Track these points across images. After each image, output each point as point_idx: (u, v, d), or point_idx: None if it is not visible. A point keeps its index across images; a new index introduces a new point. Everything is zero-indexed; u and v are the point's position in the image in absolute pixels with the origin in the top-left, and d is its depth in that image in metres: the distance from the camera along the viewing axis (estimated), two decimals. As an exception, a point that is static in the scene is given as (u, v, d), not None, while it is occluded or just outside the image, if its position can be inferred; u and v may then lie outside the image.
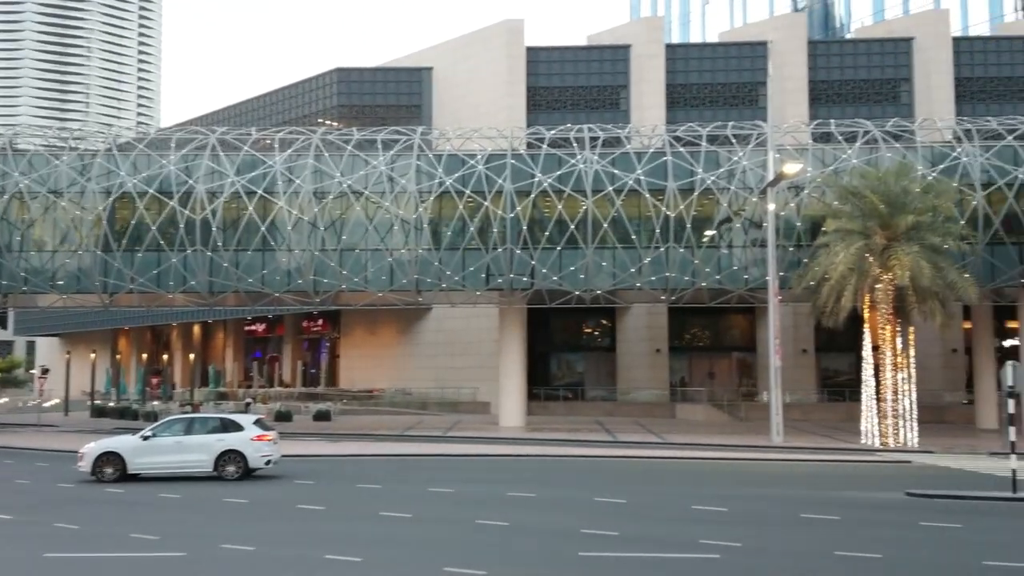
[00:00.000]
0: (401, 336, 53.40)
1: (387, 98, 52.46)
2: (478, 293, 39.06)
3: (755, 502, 18.86)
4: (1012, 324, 41.44)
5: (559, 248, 36.85)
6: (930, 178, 33.73)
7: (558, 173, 36.84)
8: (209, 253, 36.87)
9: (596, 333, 53.08)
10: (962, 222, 33.14)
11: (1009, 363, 21.57)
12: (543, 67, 50.85)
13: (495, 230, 36.68)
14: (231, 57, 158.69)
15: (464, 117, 46.41)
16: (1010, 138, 35.90)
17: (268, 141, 39.44)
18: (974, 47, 51.59)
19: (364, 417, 45.99)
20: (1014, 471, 19.71)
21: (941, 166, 35.28)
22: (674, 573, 12.23)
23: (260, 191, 36.98)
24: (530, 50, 50.30)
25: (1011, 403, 21.37)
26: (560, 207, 36.71)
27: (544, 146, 37.50)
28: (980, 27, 66.18)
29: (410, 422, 42.36)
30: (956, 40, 51.33)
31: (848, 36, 69.96)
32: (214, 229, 36.68)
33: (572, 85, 50.85)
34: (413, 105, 52.16)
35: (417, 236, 37.20)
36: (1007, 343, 42.54)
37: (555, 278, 37.04)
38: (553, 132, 38.38)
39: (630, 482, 22.24)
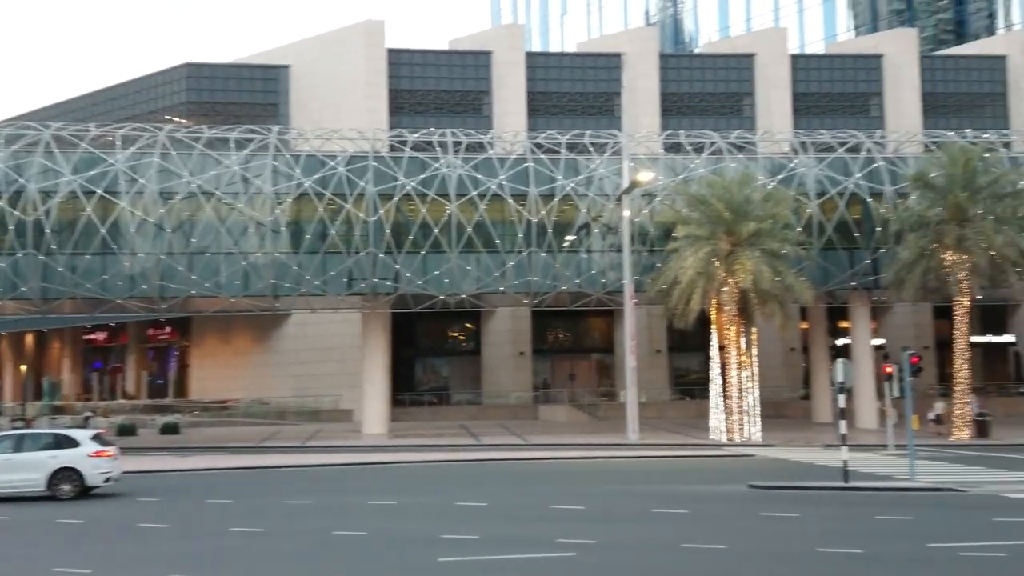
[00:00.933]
0: (257, 343, 51.63)
1: (241, 96, 50.58)
2: (340, 298, 38.32)
3: (611, 499, 19.45)
4: (844, 324, 44.61)
5: (423, 252, 36.70)
6: (770, 187, 35.85)
7: (421, 177, 36.70)
8: (42, 257, 34.38)
9: (461, 337, 53.23)
10: (798, 229, 35.41)
11: (839, 361, 23.23)
12: (405, 69, 50.54)
13: (357, 233, 36.12)
14: (71, 50, 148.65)
15: (324, 118, 45.41)
16: (841, 150, 38.68)
17: (109, 138, 37.20)
18: (810, 64, 55.33)
19: (217, 429, 44.13)
20: (845, 462, 21.24)
21: (780, 176, 37.57)
22: (531, 573, 12.42)
23: (100, 191, 34.83)
24: (391, 52, 49.85)
25: (841, 398, 23.02)
26: (424, 211, 36.59)
27: (407, 149, 37.27)
28: (816, 45, 71.00)
29: (267, 433, 41.02)
30: (794, 57, 54.87)
31: (696, 51, 73.44)
32: (48, 231, 34.24)
33: (435, 89, 50.79)
34: (269, 104, 50.56)
35: (274, 239, 36.10)
36: (840, 342, 45.76)
37: (419, 282, 36.86)
38: (416, 135, 38.23)
39: (492, 485, 22.43)
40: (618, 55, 51.67)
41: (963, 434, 34.09)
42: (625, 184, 35.01)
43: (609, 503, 18.82)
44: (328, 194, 36.01)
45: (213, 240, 35.78)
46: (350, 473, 26.04)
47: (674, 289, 33.53)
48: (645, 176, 33.81)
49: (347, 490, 21.88)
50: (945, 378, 43.41)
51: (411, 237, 36.56)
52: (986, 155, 35.15)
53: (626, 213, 35.24)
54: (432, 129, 39.29)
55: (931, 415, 35.98)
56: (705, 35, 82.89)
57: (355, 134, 38.53)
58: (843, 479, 20.91)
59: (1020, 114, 54.22)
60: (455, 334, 53.22)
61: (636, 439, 33.52)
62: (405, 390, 48.74)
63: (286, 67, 51.11)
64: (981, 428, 34.75)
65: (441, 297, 37.54)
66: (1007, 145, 41.29)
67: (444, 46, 54.59)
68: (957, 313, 34.60)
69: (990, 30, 66.01)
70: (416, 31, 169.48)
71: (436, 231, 36.49)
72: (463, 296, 37.83)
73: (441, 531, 15.23)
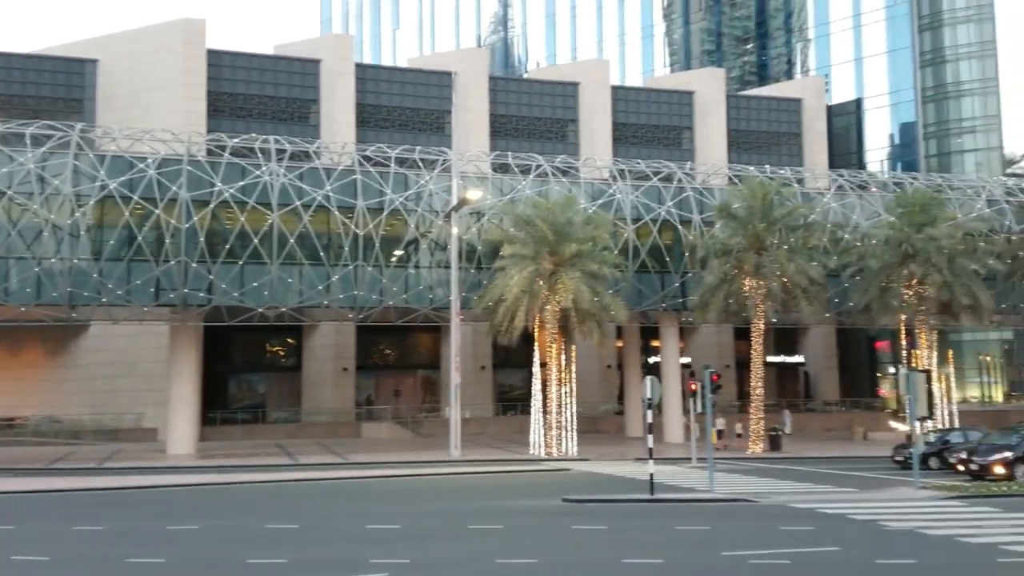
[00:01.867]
0: (51, 357, 47.46)
1: (41, 89, 46.57)
2: (146, 309, 35.96)
3: (429, 517, 19.33)
4: (656, 343, 47.03)
5: (241, 263, 35.19)
6: (591, 211, 37.28)
7: (241, 184, 35.24)
8: None
9: (280, 352, 51.42)
10: (616, 252, 37.01)
11: (648, 378, 24.37)
12: (227, 72, 48.49)
13: (168, 241, 34.08)
14: None
15: (134, 117, 42.67)
16: (656, 179, 40.89)
17: None
18: (629, 96, 58.24)
19: (1, 449, 40.04)
20: (651, 475, 22.28)
21: (600, 201, 39.19)
22: (341, 597, 12.06)
23: None
24: (212, 53, 47.68)
25: (649, 413, 24.16)
26: (243, 219, 35.11)
27: (226, 154, 35.68)
28: (635, 78, 74.93)
29: (59, 453, 37.68)
30: (615, 88, 57.55)
31: (525, 75, 75.43)
32: None
33: (259, 94, 49.08)
34: (73, 99, 46.85)
35: (72, 244, 33.37)
36: (652, 360, 48.18)
37: (236, 294, 35.27)
38: (237, 140, 36.68)
39: (307, 506, 21.69)
40: (449, 74, 52.12)
41: (757, 448, 36.75)
42: (454, 201, 35.25)
43: (427, 521, 18.70)
44: (136, 198, 33.78)
45: (2, 243, 32.60)
46: (149, 496, 24.35)
47: (500, 306, 34.05)
48: (474, 194, 34.24)
49: (145, 514, 20.42)
50: (744, 395, 46.68)
51: (228, 246, 34.97)
52: (782, 190, 38.28)
53: (454, 230, 35.47)
54: (254, 135, 37.88)
55: (714, 430, 38.10)
56: (533, 61, 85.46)
57: (169, 136, 36.47)
58: (650, 492, 21.90)
59: (813, 153, 59.68)
60: (274, 349, 51.37)
61: (458, 455, 33.62)
62: (217, 408, 46.39)
63: (93, 61, 47.65)
64: (774, 442, 37.61)
65: (260, 310, 36.10)
66: (800, 181, 45.30)
67: (270, 51, 52.90)
68: (754, 335, 37.36)
69: (789, 75, 72.31)
70: (240, 34, 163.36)
71: (256, 241, 35.11)
72: (284, 310, 36.58)
73: (247, 555, 14.51)
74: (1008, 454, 26.08)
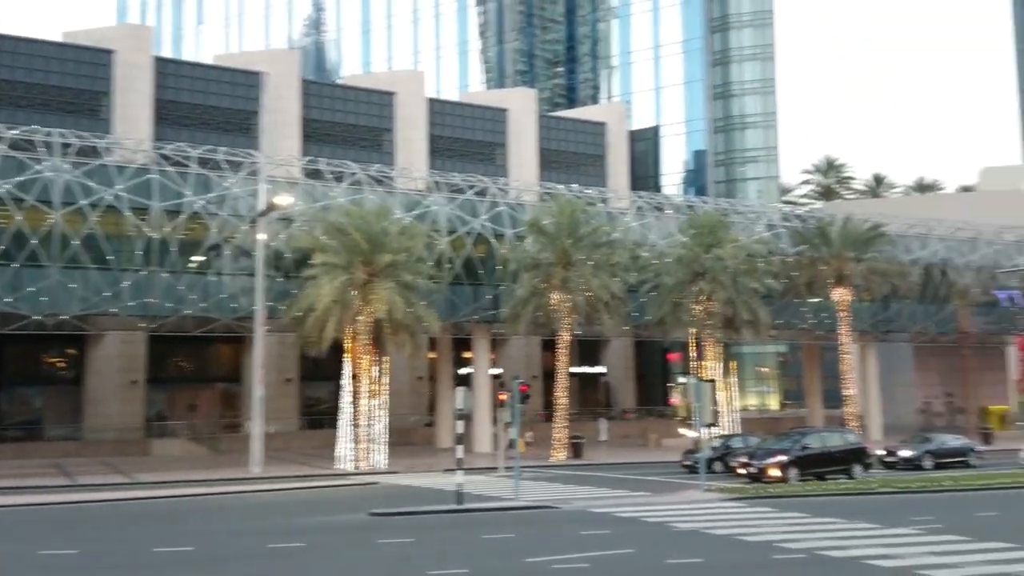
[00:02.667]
0: None
1: None
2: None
3: (224, 537, 18.42)
4: (468, 354, 47.57)
5: (17, 265, 32.01)
6: (406, 222, 37.17)
7: (19, 179, 32.11)
8: None
9: (60, 364, 47.16)
10: (430, 263, 37.12)
11: (460, 388, 24.65)
12: (6, 58, 44.18)
13: (-73, 239, 30.38)
14: None
15: None
16: (470, 193, 41.49)
17: None
18: (445, 109, 58.78)
19: None
20: (460, 485, 22.50)
21: (415, 212, 39.19)
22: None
23: None
24: (-10, 35, 43.24)
25: (460, 424, 24.40)
26: (20, 218, 31.98)
27: (2, 147, 32.38)
28: (451, 92, 75.75)
29: None
30: (431, 101, 57.88)
31: (339, 81, 74.24)
32: None
33: (43, 83, 45.02)
34: None
35: None
36: (463, 371, 48.67)
37: (9, 300, 32.01)
38: (15, 132, 33.40)
39: (86, 529, 19.97)
40: (258, 74, 50.31)
41: (560, 455, 38.08)
42: (262, 206, 33.93)
43: (222, 542, 17.80)
44: None
45: None
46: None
47: (309, 317, 33.11)
48: (284, 200, 33.11)
49: None
50: (549, 405, 48.20)
51: (2, 247, 31.73)
52: (588, 208, 40.05)
53: (261, 236, 34.11)
54: (35, 127, 34.68)
55: (521, 439, 38.72)
56: (348, 67, 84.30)
57: (-67, 122, 32.64)
58: (457, 502, 22.08)
59: (616, 175, 62.89)
60: (53, 360, 47.05)
61: (260, 472, 32.27)
62: (-16, 424, 41.85)
63: None
64: (576, 449, 39.11)
65: (36, 318, 32.98)
66: (605, 201, 47.62)
67: (58, 38, 48.70)
68: (560, 346, 38.76)
69: (595, 99, 75.95)
70: (28, 20, 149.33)
71: (34, 242, 32.10)
72: (64, 317, 33.63)
73: (17, 589, 13.17)
74: (782, 458, 28.65)
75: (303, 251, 35.35)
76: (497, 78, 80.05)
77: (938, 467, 33.57)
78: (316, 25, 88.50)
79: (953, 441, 36.33)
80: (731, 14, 71.85)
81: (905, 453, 34.58)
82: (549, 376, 49.77)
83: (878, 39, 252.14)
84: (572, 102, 76.55)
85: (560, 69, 79.60)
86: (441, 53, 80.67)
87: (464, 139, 57.85)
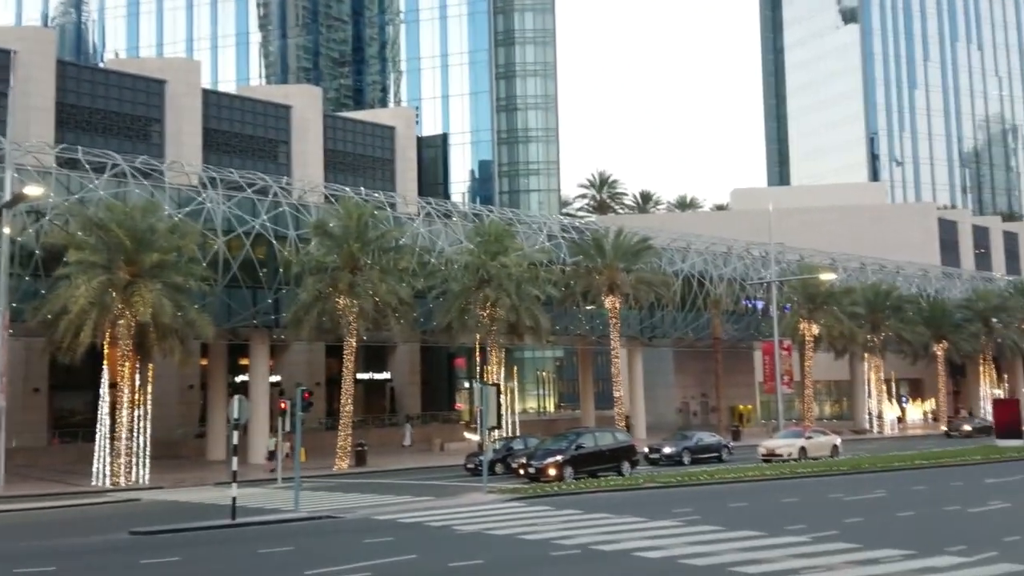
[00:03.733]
0: None
1: None
2: None
3: (-45, 570, 16.15)
4: (244, 361, 45.34)
5: None
6: (176, 219, 34.78)
7: None
8: None
9: None
10: (204, 264, 34.95)
11: (236, 397, 23.34)
12: None
13: None
14: None
15: None
16: (250, 191, 39.60)
17: None
18: (222, 102, 55.82)
19: None
20: (234, 499, 21.28)
21: (187, 209, 36.79)
22: None
23: None
24: None
25: (235, 435, 23.11)
26: None
27: None
28: (229, 85, 72.10)
29: None
30: (206, 92, 54.73)
31: (101, 65, 68.35)
32: None
33: None
34: None
35: None
36: (240, 379, 46.31)
37: None
38: None
39: None
40: (8, 51, 45.15)
41: (344, 464, 37.25)
42: (7, 197, 30.29)
43: (-48, 574, 15.59)
44: None
45: None
46: None
47: (61, 320, 29.98)
48: (34, 191, 29.73)
49: None
50: (333, 412, 47.07)
51: None
52: (376, 212, 39.55)
53: (6, 230, 30.44)
54: None
55: (267, 450, 37.34)
56: (111, 50, 77.94)
57: None
58: (231, 516, 20.88)
59: (404, 180, 62.77)
60: None
61: (1, 491, 28.75)
62: None
63: None
64: (360, 457, 38.43)
65: None
66: (393, 206, 47.31)
67: None
68: (346, 352, 37.93)
69: (383, 102, 75.47)
70: None
71: None
72: None
73: None
74: (559, 457, 29.79)
75: (56, 248, 31.97)
76: (279, 74, 77.34)
77: (695, 462, 36.41)
78: (75, 4, 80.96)
79: (708, 438, 39.57)
80: (515, 29, 74.29)
81: (667, 450, 37.19)
82: (332, 383, 48.67)
83: (649, 65, 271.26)
84: (360, 104, 75.58)
85: (347, 70, 78.33)
86: (219, 43, 76.64)
87: (243, 135, 55.25)
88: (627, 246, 46.69)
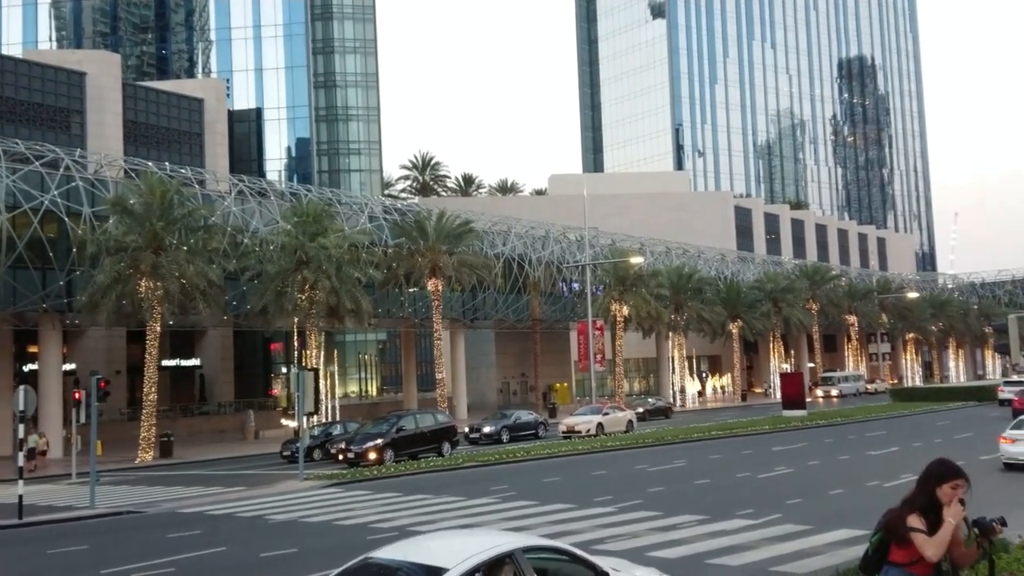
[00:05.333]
0: None
1: None
2: None
3: None
4: (34, 348, 41.63)
5: None
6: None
7: None
8: None
9: None
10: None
11: (21, 388, 21.40)
12: None
13: None
14: None
15: None
16: (38, 164, 36.24)
17: None
18: (5, 67, 50.66)
19: None
20: (20, 497, 19.56)
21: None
22: None
23: None
24: None
25: (21, 428, 21.22)
26: None
27: None
28: (15, 48, 65.50)
29: None
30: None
31: None
32: None
33: None
34: None
35: None
36: (30, 367, 42.50)
37: None
38: None
39: None
40: None
41: (148, 455, 35.15)
42: None
43: None
44: None
45: None
46: None
47: None
48: None
49: None
50: (135, 401, 44.28)
51: None
52: (183, 189, 37.35)
53: None
54: None
55: (26, 448, 34.33)
56: None
57: None
58: (18, 516, 19.19)
59: (214, 155, 59.68)
60: None
61: None
62: None
63: None
64: (165, 448, 36.41)
65: None
66: (201, 182, 44.87)
67: None
68: (149, 338, 35.68)
69: (191, 73, 71.21)
70: None
71: None
72: None
73: None
74: (379, 441, 29.61)
75: None
76: (73, 38, 71.07)
77: (514, 440, 37.41)
78: None
79: (526, 416, 40.71)
80: (333, 4, 72.35)
81: (487, 429, 37.93)
82: (135, 371, 45.81)
83: (473, 49, 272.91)
84: (164, 74, 70.91)
85: (150, 37, 73.18)
86: (3, 2, 69.29)
87: (31, 103, 50.46)
88: (450, 229, 46.94)
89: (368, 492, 21.94)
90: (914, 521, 5.69)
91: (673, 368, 65.01)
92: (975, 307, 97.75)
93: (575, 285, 60.25)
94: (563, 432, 37.48)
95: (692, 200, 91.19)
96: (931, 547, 5.58)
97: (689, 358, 67.88)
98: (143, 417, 35.84)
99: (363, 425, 34.01)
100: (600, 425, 37.94)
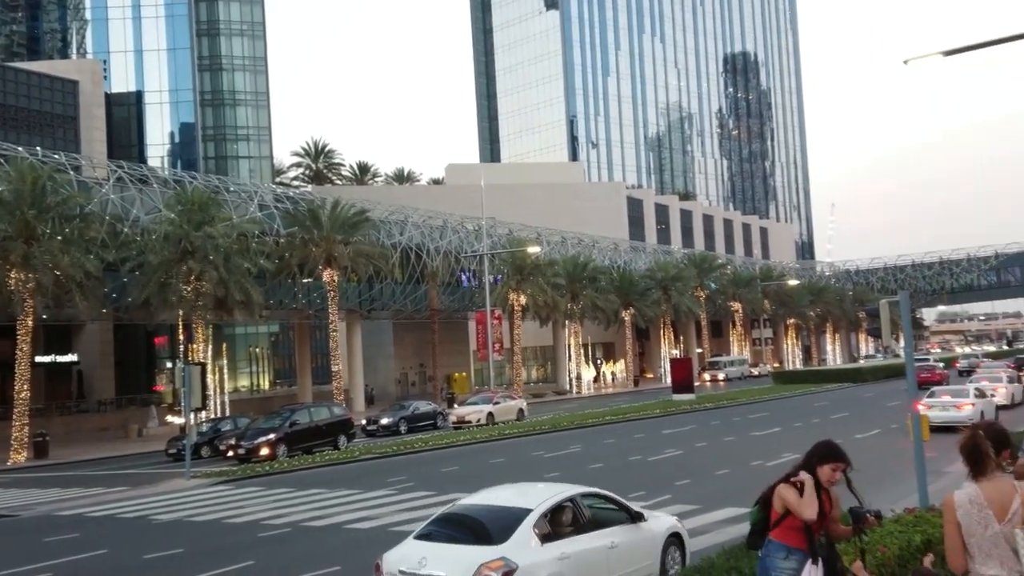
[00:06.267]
0: None
1: None
2: None
3: None
4: None
5: None
6: None
7: None
8: None
9: None
10: None
11: None
12: None
13: None
14: None
15: None
16: None
17: None
18: None
19: None
20: None
21: None
22: None
23: None
24: None
25: None
26: None
27: None
28: None
29: None
30: None
31: None
32: None
33: None
34: None
35: None
36: None
37: None
38: None
39: None
40: None
41: (20, 457, 33.17)
42: None
43: None
44: None
45: None
46: None
47: None
48: None
49: None
50: (6, 400, 41.68)
51: None
52: (56, 175, 35.25)
53: None
54: None
55: None
56: None
57: None
58: None
59: (91, 140, 56.66)
60: None
61: None
62: None
63: None
64: (40, 449, 34.45)
65: None
66: (77, 169, 42.46)
67: None
68: (21, 332, 33.62)
69: (64, 53, 67.31)
70: None
71: None
72: None
73: None
74: (272, 436, 28.84)
75: None
76: (-70, 13, 66.01)
77: (412, 431, 37.13)
78: None
79: (425, 407, 40.46)
80: (218, -15, 69.74)
81: (385, 421, 37.53)
82: (5, 367, 43.07)
83: (369, 36, 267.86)
84: (36, 54, 66.73)
85: (20, 15, 68.70)
86: None
87: None
88: (345, 218, 46.07)
89: (260, 488, 21.35)
90: (785, 490, 5.92)
91: (569, 355, 66.00)
92: (850, 293, 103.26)
93: (471, 276, 60.29)
94: (453, 423, 37.34)
95: (586, 191, 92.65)
96: (805, 507, 5.78)
97: (584, 345, 69.02)
98: (15, 416, 33.75)
99: (254, 420, 33.07)
100: (491, 414, 37.83)
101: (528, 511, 8.58)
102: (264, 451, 28.14)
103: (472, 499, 9.37)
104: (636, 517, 9.69)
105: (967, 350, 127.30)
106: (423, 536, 8.89)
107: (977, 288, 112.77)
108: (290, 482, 22.18)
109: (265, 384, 71.02)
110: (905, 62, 19.91)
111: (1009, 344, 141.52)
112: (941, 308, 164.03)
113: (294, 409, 32.90)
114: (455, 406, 42.48)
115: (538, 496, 9.04)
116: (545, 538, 8.51)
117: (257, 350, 72.42)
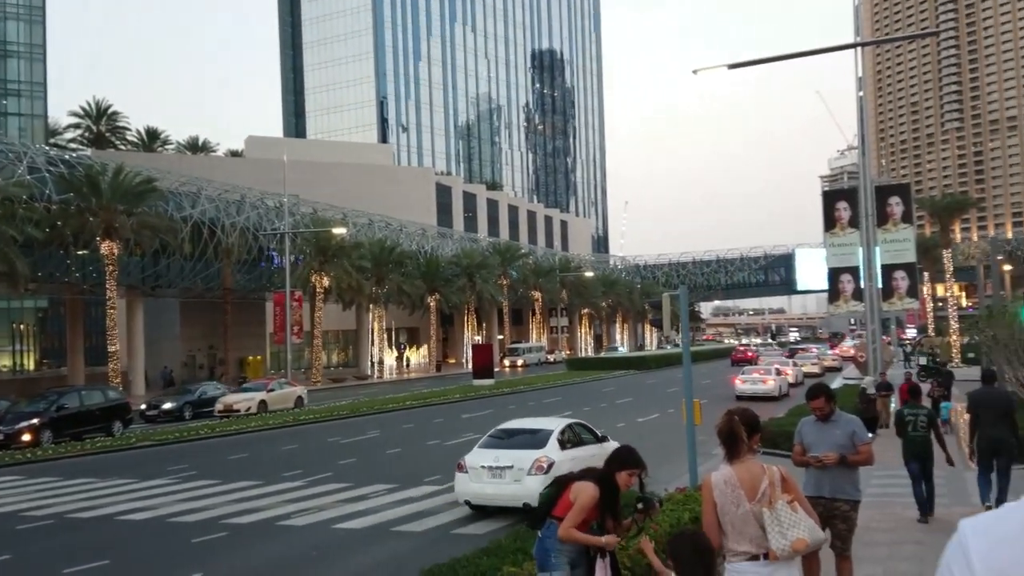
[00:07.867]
0: None
1: None
2: None
3: None
4: None
5: None
6: None
7: None
8: None
9: None
10: None
11: None
12: None
13: None
14: None
15: None
16: None
17: None
18: None
19: None
20: None
21: None
22: None
23: None
24: None
25: None
26: None
27: None
28: None
29: None
30: None
31: None
32: None
33: None
34: None
35: None
36: None
37: None
38: None
39: None
40: None
41: None
42: None
43: None
44: None
45: None
46: None
47: None
48: None
49: None
50: None
51: None
52: None
53: None
54: None
55: None
56: None
57: None
58: None
59: None
60: None
61: None
62: None
63: None
64: None
65: None
66: None
67: None
68: None
69: None
70: None
71: None
72: None
73: None
74: (35, 420, 26.22)
75: None
76: None
77: (199, 416, 35.02)
78: None
79: (214, 391, 38.21)
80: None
81: (167, 405, 35.16)
82: None
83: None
84: None
85: None
86: None
87: None
88: (128, 186, 42.56)
89: (21, 477, 19.33)
90: (584, 489, 6.05)
91: (373, 340, 65.13)
92: (639, 286, 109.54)
93: (273, 254, 57.89)
94: (219, 411, 34.17)
95: (396, 174, 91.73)
96: (564, 527, 5.98)
97: (389, 330, 68.40)
98: None
99: (16, 403, 29.89)
100: (263, 403, 34.88)
101: (551, 431, 13.78)
102: (26, 436, 25.53)
103: (509, 424, 14.90)
104: (602, 439, 14.58)
105: (737, 342, 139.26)
106: (485, 446, 13.89)
107: (748, 285, 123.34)
108: (57, 470, 20.24)
109: (30, 364, 64.52)
110: (694, 72, 21.29)
111: (773, 337, 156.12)
112: (716, 303, 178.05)
113: (62, 392, 30.04)
114: (229, 393, 40.13)
115: (553, 423, 14.50)
116: (561, 445, 13.52)
117: (22, 327, 65.62)
